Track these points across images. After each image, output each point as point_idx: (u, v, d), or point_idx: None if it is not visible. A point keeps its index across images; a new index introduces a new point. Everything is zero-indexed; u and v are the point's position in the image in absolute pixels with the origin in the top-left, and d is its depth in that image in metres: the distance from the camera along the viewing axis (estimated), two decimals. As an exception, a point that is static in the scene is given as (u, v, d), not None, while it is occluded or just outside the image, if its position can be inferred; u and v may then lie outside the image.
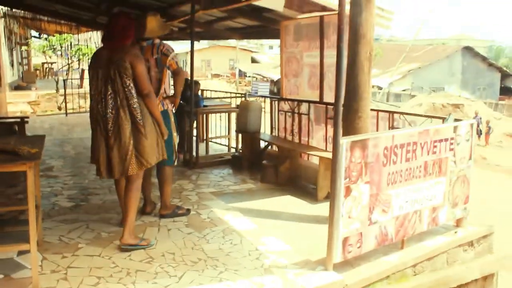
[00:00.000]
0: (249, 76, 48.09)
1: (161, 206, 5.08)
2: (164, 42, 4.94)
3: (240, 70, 46.65)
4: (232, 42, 42.71)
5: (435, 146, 4.42)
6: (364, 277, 3.98)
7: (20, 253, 3.98)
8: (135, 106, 4.09)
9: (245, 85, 43.71)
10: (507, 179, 17.14)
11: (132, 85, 4.08)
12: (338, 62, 3.83)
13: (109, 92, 4.09)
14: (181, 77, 4.90)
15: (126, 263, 3.94)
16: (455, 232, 4.89)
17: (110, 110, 4.08)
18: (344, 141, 3.73)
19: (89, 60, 4.69)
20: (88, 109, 4.69)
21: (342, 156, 3.72)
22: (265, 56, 58.10)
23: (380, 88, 35.54)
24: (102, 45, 4.43)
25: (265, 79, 44.65)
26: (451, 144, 4.60)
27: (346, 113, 4.71)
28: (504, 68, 45.04)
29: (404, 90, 35.74)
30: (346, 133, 4.36)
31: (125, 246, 4.19)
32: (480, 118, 22.03)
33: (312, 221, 5.09)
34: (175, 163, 5.09)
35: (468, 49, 40.43)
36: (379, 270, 4.09)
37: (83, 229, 4.68)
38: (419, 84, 36.08)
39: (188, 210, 5.20)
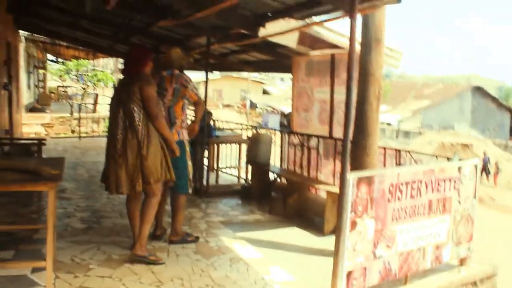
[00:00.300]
0: (259, 108, 48.52)
1: (171, 232, 5.21)
2: (183, 73, 5.20)
3: (251, 101, 47.11)
4: (244, 73, 43.32)
5: (439, 185, 4.54)
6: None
7: (34, 270, 4.10)
8: (137, 128, 4.38)
9: (255, 117, 44.09)
10: (515, 220, 17.10)
11: (135, 108, 4.38)
12: (347, 100, 3.99)
13: (120, 114, 4.46)
14: (201, 106, 5.26)
15: (136, 285, 4.06)
16: (459, 271, 4.97)
17: (120, 131, 4.44)
18: (351, 177, 3.87)
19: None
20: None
21: (349, 191, 3.85)
22: (276, 89, 58.70)
23: (389, 125, 35.71)
24: (123, 71, 4.80)
25: (275, 111, 45.03)
26: (455, 183, 4.72)
27: (354, 149, 4.88)
28: (514, 109, 45.11)
29: (413, 128, 35.88)
30: (354, 168, 4.52)
31: (135, 256, 4.48)
32: (488, 158, 22.07)
33: (318, 254, 5.19)
34: (190, 192, 5.26)
35: (478, 89, 40.67)
36: (382, 305, 4.18)
37: (94, 250, 4.81)
38: (429, 122, 36.25)
39: (197, 238, 5.33)
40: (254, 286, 4.23)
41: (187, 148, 5.08)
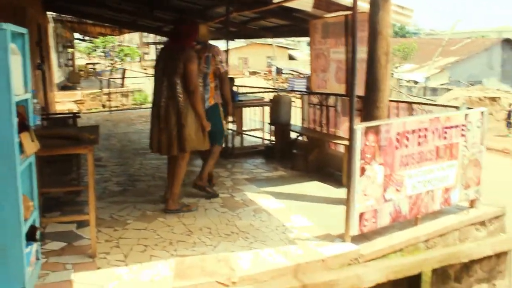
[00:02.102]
0: (286, 73, 48.45)
1: (198, 177, 5.74)
2: (215, 45, 5.85)
3: (277, 67, 47.05)
4: (269, 39, 43.20)
5: (445, 132, 4.85)
6: (379, 248, 4.47)
7: (79, 226, 4.64)
8: (179, 99, 4.90)
9: (282, 82, 44.11)
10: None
11: (178, 81, 4.88)
12: (352, 58, 4.31)
13: (164, 84, 4.96)
14: (225, 81, 5.88)
15: (169, 235, 4.55)
16: (467, 212, 5.30)
17: (164, 100, 4.95)
18: (359, 127, 4.23)
19: (157, 54, 5.66)
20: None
21: (357, 140, 4.21)
22: (302, 53, 58.29)
23: (416, 83, 35.40)
24: (165, 43, 5.49)
25: (301, 75, 44.92)
26: (463, 130, 5.01)
27: (366, 103, 5.21)
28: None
29: (441, 85, 35.48)
30: (365, 121, 4.84)
31: (169, 211, 5.12)
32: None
33: (336, 202, 5.55)
34: (223, 145, 6.17)
35: (508, 41, 39.71)
36: (393, 243, 4.57)
37: (131, 208, 5.32)
38: (456, 78, 35.75)
39: (217, 195, 5.76)
40: (275, 231, 4.67)
41: (221, 109, 5.79)
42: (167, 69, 4.95)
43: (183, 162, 5.15)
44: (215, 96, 5.71)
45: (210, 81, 5.65)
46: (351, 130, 4.27)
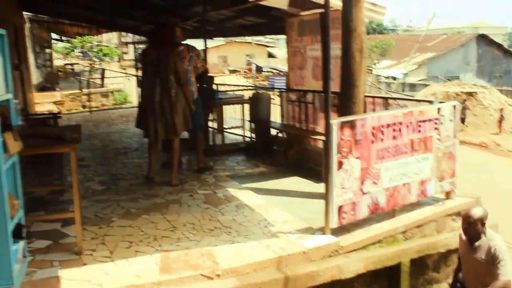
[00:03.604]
0: (265, 71, 48.54)
1: (198, 162, 6.87)
2: (195, 47, 6.74)
3: (257, 65, 47.11)
4: (248, 38, 43.24)
5: (419, 126, 5.01)
6: (358, 239, 4.61)
7: (64, 225, 4.70)
8: (172, 93, 5.94)
9: (262, 80, 44.21)
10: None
11: (171, 78, 5.91)
12: (324, 55, 4.43)
13: (157, 82, 5.94)
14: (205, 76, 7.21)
15: (153, 231, 4.63)
16: (443, 203, 5.47)
17: (157, 95, 5.93)
18: (335, 122, 4.36)
19: (140, 56, 7.06)
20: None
21: (333, 135, 4.34)
22: (281, 51, 58.40)
23: (394, 79, 35.81)
24: (149, 45, 6.73)
25: (281, 73, 45.04)
26: (436, 123, 5.18)
27: (342, 99, 5.35)
28: (521, 55, 44.70)
29: (419, 80, 35.95)
30: (342, 116, 4.97)
31: (173, 185, 6.08)
32: (465, 106, 22.16)
33: (316, 196, 5.67)
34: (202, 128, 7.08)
35: (483, 37, 40.32)
36: (372, 234, 4.72)
37: (114, 206, 5.39)
38: (434, 73, 36.23)
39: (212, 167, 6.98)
40: (257, 226, 4.79)
41: (199, 102, 6.74)
42: (159, 69, 5.93)
43: (176, 145, 6.19)
44: (194, 90, 6.55)
45: (191, 77, 6.49)
46: (327, 125, 4.40)
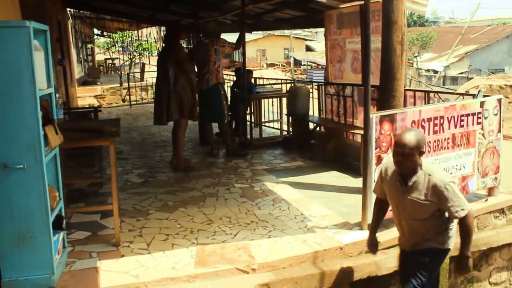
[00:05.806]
0: (304, 64, 48.29)
1: (226, 151, 7.46)
2: (220, 37, 7.27)
3: (295, 59, 46.93)
4: (286, 31, 43.07)
5: (462, 120, 4.87)
6: (396, 235, 4.50)
7: (102, 217, 4.78)
8: (171, 81, 6.39)
9: (301, 73, 43.98)
10: None
11: (171, 68, 6.40)
12: (365, 48, 4.35)
13: (163, 73, 6.45)
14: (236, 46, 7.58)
15: (190, 224, 4.66)
16: (485, 200, 5.31)
17: (172, 78, 6.40)
18: (374, 116, 4.28)
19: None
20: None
21: (372, 129, 4.26)
22: (319, 44, 57.96)
23: (435, 72, 35.04)
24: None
25: (319, 66, 44.74)
26: (479, 118, 5.02)
27: (382, 93, 5.23)
28: None
29: (461, 73, 35.10)
30: (382, 110, 4.87)
31: (179, 169, 6.57)
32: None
33: (354, 191, 5.60)
34: (226, 121, 7.47)
35: (529, 28, 39.06)
36: (411, 231, 4.60)
37: (152, 199, 5.45)
38: (477, 66, 35.28)
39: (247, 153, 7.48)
40: (293, 220, 4.76)
41: (222, 92, 7.18)
42: (163, 61, 6.56)
43: (182, 130, 6.67)
44: (218, 75, 7.07)
45: (219, 65, 7.07)
46: (366, 119, 4.33)
